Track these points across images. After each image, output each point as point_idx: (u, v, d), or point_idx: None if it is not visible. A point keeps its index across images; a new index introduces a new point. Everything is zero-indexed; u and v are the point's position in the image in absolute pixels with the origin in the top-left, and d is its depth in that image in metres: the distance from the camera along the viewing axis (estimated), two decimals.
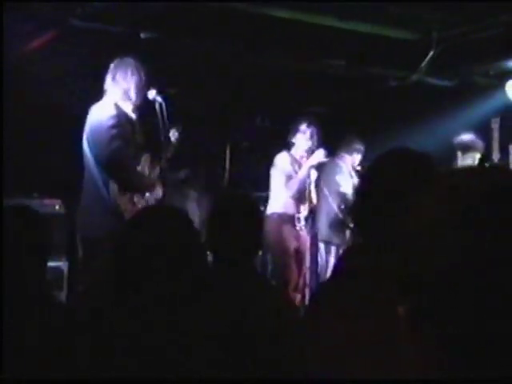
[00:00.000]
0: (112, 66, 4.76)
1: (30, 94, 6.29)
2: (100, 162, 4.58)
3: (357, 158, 6.83)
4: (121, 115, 4.65)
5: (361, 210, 1.90)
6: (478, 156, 6.00)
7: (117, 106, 4.67)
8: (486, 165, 6.09)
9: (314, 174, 6.31)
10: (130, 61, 4.76)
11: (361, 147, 6.84)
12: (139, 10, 5.42)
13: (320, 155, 6.08)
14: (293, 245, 6.03)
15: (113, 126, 4.56)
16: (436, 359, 0.80)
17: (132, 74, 4.72)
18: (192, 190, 7.85)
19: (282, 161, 6.15)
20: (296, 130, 6.21)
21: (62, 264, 6.25)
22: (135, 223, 2.29)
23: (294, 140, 6.22)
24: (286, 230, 6.04)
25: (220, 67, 6.66)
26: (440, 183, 0.87)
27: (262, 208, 5.71)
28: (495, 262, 0.76)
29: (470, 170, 0.98)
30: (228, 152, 7.42)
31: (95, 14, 5.36)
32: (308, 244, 6.30)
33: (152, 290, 2.07)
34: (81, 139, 4.77)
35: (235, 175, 7.35)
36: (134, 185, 4.74)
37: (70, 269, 6.26)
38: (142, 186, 4.80)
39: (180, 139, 5.22)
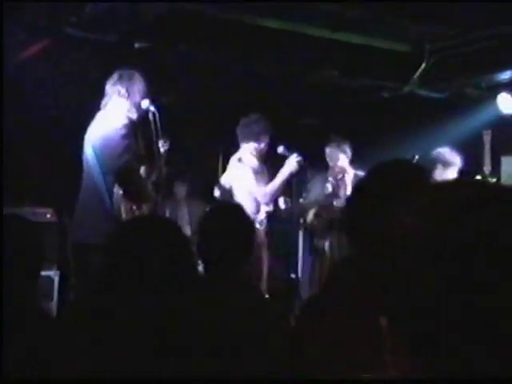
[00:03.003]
0: (118, 76, 4.85)
1: (22, 103, 6.29)
2: (111, 171, 4.62)
3: None
4: (129, 126, 4.73)
5: (353, 221, 1.91)
6: (456, 169, 6.03)
7: (127, 117, 4.77)
8: (476, 177, 6.14)
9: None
10: (138, 76, 4.87)
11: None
12: (133, 19, 5.43)
13: (299, 159, 5.85)
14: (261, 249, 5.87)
15: (125, 136, 4.64)
16: (413, 368, 0.81)
17: (143, 89, 4.85)
18: (183, 198, 7.86)
19: (247, 163, 5.90)
20: (268, 130, 5.91)
21: (53, 273, 6.23)
22: (124, 233, 2.29)
23: (262, 139, 5.89)
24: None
25: (213, 77, 6.68)
26: (420, 198, 0.89)
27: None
28: (473, 275, 0.78)
29: (451, 184, 1.00)
30: (220, 161, 7.43)
31: (90, 22, 5.37)
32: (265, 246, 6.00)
33: (142, 298, 2.07)
34: (75, 148, 4.81)
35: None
36: (140, 195, 4.82)
37: (60, 278, 6.24)
38: (146, 197, 4.87)
39: (169, 150, 5.28)
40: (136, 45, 5.69)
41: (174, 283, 2.09)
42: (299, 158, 5.86)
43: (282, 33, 5.77)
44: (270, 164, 6.06)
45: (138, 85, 4.84)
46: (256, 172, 5.91)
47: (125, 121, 4.72)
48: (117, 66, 4.91)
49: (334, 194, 6.54)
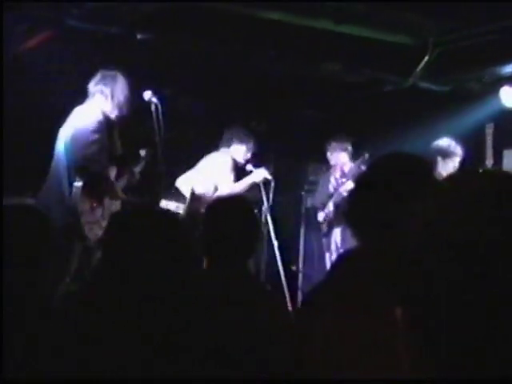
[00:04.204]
0: (101, 76, 4.93)
1: (24, 94, 6.27)
2: (75, 163, 4.67)
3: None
4: (105, 124, 4.78)
5: (356, 214, 1.90)
6: (458, 160, 6.03)
7: (104, 115, 4.80)
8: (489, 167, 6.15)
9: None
10: (121, 77, 4.94)
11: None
12: (136, 10, 5.41)
13: (266, 174, 6.27)
14: None
15: (96, 131, 4.70)
16: (428, 359, 0.80)
17: (126, 91, 4.91)
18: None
19: (228, 162, 6.25)
20: (244, 142, 6.33)
21: None
22: (125, 225, 2.28)
23: (234, 145, 6.32)
24: None
25: (215, 70, 6.66)
26: (442, 190, 0.88)
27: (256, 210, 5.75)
28: (494, 268, 0.77)
29: (471, 175, 0.98)
30: None
31: (91, 14, 5.35)
32: None
33: (143, 291, 2.06)
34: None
35: None
36: (102, 190, 4.82)
37: None
38: (110, 194, 4.86)
39: (149, 160, 5.34)
40: (138, 36, 5.68)
41: (176, 275, 2.09)
42: (266, 173, 6.29)
43: (284, 25, 5.75)
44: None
45: (121, 86, 4.89)
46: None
47: (100, 117, 4.76)
48: (110, 70, 4.95)
49: (336, 194, 6.73)
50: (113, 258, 2.17)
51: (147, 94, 4.95)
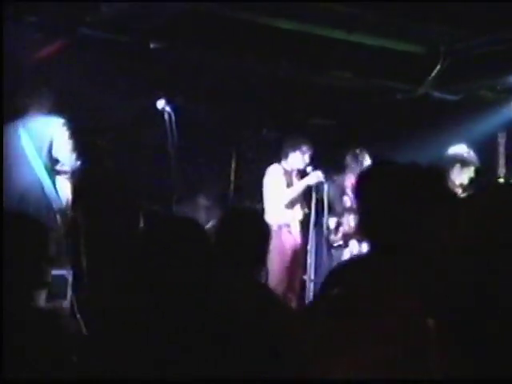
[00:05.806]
0: None
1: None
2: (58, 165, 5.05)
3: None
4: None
5: (372, 220, 1.90)
6: (473, 169, 6.00)
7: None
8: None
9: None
10: None
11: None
12: (149, 19, 5.44)
13: (320, 176, 6.37)
14: (290, 252, 6.30)
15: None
16: (460, 368, 0.80)
17: None
18: (202, 200, 7.84)
19: (276, 173, 6.43)
20: (296, 148, 6.45)
21: (66, 272, 6.24)
22: (152, 232, 2.31)
23: (289, 154, 6.46)
24: (284, 238, 6.30)
25: (227, 78, 6.68)
26: (476, 203, 0.87)
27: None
28: None
29: (505, 188, 0.98)
30: (234, 163, 7.44)
31: (105, 23, 5.38)
32: (299, 248, 6.49)
33: (164, 295, 2.08)
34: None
35: (241, 186, 7.36)
36: None
37: (74, 277, 6.26)
38: None
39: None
40: (151, 45, 5.70)
41: (200, 282, 2.10)
42: (321, 176, 6.39)
43: (297, 34, 5.77)
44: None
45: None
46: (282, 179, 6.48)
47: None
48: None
49: (352, 207, 6.76)
50: (139, 264, 2.19)
51: (160, 103, 4.96)
